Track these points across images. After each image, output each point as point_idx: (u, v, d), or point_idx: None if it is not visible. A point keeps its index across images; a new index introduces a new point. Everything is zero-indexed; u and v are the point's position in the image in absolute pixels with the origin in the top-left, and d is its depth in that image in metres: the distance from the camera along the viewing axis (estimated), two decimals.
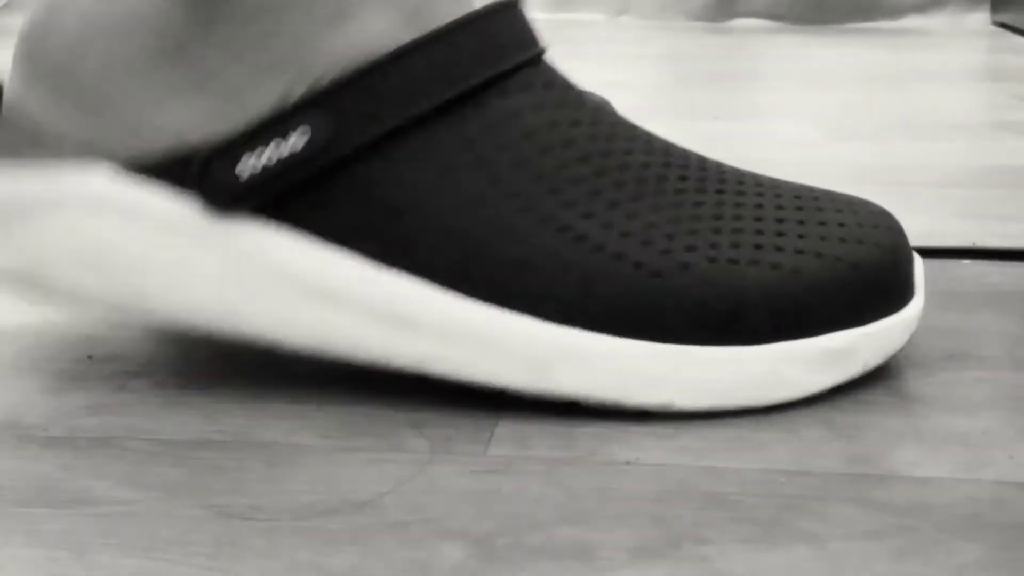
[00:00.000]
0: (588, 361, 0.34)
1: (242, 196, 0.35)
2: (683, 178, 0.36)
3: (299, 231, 0.35)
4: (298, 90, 0.34)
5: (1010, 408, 0.36)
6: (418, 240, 0.35)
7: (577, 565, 0.27)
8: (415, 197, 0.35)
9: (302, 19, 0.35)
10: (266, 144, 0.34)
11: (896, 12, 1.62)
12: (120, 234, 0.35)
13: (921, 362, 0.39)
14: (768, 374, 0.35)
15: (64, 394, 0.37)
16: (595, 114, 0.37)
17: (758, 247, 0.35)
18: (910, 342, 0.40)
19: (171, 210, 0.35)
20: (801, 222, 0.36)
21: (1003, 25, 1.53)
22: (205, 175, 0.35)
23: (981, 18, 1.60)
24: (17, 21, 1.63)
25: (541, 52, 0.37)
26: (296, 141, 0.34)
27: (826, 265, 0.35)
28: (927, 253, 0.50)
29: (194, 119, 0.35)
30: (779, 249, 0.35)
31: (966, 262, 0.49)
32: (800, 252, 0.35)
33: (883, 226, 0.37)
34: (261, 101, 0.35)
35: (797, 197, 0.37)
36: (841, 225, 0.36)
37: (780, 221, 0.36)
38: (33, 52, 0.36)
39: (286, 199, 0.35)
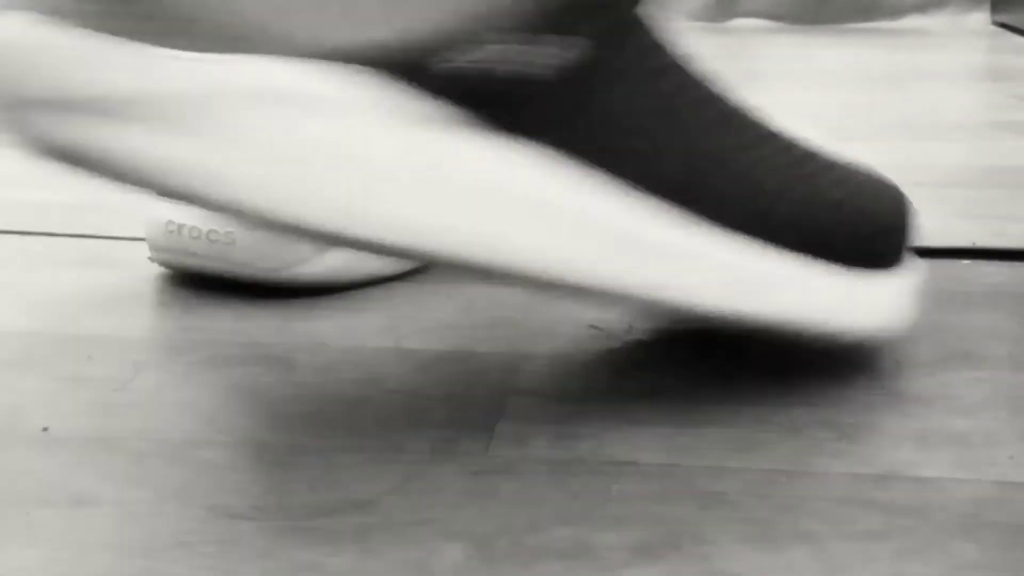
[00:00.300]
0: (811, 287, 0.36)
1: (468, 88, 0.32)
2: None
3: (536, 145, 0.33)
4: None
5: (1010, 408, 0.36)
6: (647, 158, 0.34)
7: (577, 565, 0.28)
8: (643, 119, 0.34)
9: None
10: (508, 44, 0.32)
11: (896, 12, 1.62)
12: (334, 132, 0.32)
13: (921, 362, 0.39)
14: (906, 297, 0.38)
15: (64, 394, 0.37)
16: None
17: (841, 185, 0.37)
18: (910, 342, 0.40)
19: (397, 107, 0.32)
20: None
21: (1003, 25, 1.53)
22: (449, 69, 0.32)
23: (981, 18, 1.60)
24: None
25: None
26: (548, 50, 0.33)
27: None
28: (927, 253, 0.50)
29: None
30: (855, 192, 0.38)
31: (966, 262, 0.49)
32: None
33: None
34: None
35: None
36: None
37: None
38: None
39: (519, 111, 0.33)
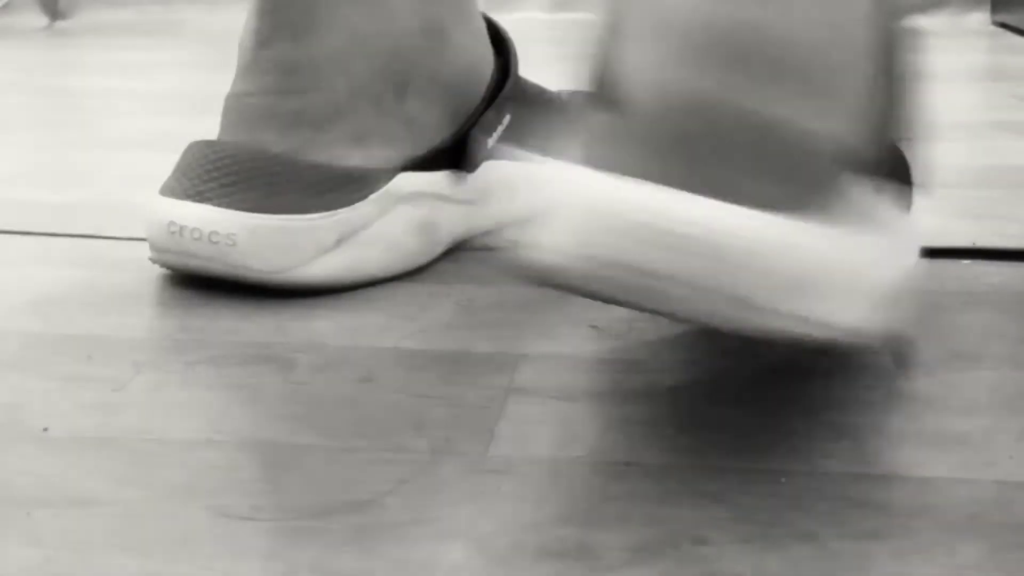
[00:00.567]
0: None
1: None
2: None
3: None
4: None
5: (1010, 408, 0.36)
6: None
7: (577, 565, 0.27)
8: None
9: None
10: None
11: None
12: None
13: (921, 362, 0.39)
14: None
15: (64, 394, 0.37)
16: None
17: None
18: (910, 342, 0.40)
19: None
20: None
21: (1003, 25, 1.53)
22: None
23: (981, 18, 1.60)
24: (17, 20, 1.63)
25: None
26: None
27: None
28: (927, 253, 0.50)
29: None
30: None
31: (966, 262, 0.49)
32: None
33: None
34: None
35: None
36: None
37: None
38: None
39: None
